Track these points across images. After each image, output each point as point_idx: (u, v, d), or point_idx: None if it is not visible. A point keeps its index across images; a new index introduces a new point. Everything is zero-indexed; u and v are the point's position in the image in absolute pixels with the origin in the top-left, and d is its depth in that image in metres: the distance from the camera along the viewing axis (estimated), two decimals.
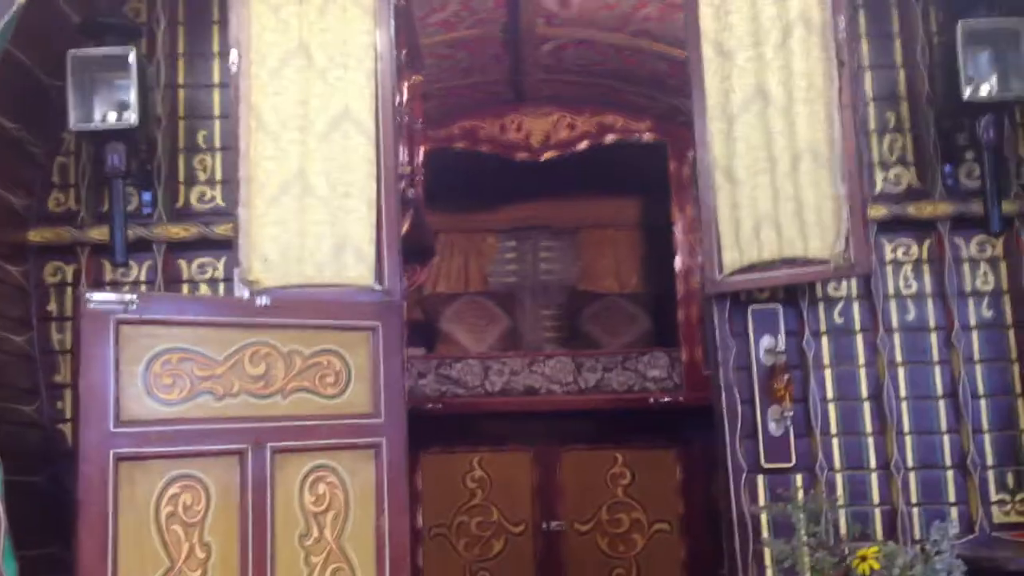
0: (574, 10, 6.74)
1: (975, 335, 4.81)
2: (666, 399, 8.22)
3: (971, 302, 4.84)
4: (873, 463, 4.74)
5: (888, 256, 4.89)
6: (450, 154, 8.61)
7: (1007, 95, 4.59)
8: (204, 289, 4.84)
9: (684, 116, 6.03)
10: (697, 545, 8.06)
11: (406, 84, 5.85)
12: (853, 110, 4.56)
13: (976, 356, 4.80)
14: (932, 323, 4.83)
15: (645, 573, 8.19)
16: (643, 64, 7.48)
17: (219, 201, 4.90)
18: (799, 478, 4.69)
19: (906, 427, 4.75)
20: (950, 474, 4.72)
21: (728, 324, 4.82)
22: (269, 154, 4.48)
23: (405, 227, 5.38)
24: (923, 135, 4.92)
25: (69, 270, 4.84)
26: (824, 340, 4.83)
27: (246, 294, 4.33)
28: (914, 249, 4.90)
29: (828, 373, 4.80)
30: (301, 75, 4.57)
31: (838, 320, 4.84)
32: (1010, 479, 4.71)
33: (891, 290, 4.86)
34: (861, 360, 4.82)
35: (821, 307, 4.84)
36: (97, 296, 3.85)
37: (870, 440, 4.75)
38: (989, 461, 4.72)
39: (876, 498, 4.71)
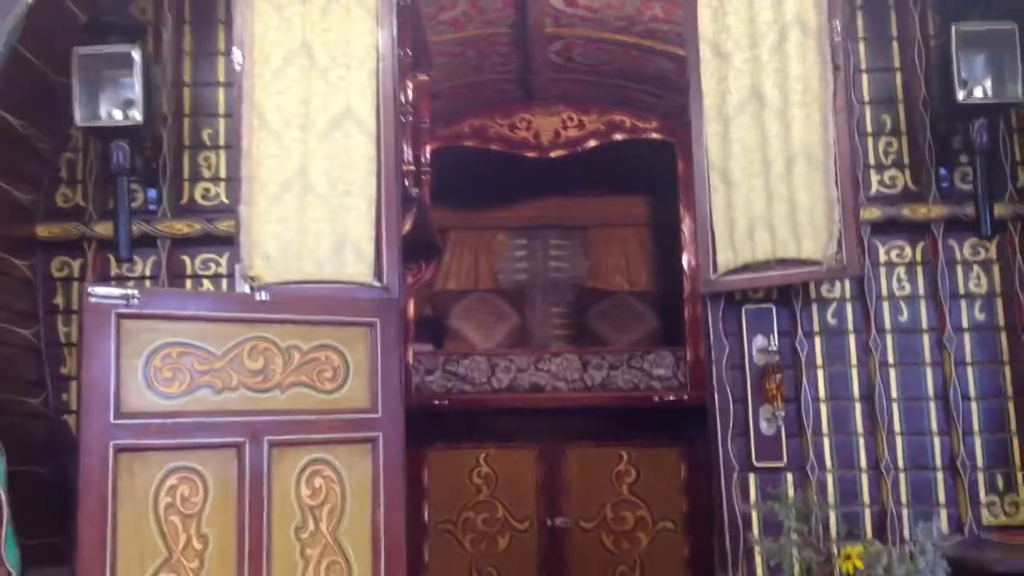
0: (581, 9, 6.80)
1: (967, 337, 4.86)
2: (671, 397, 8.25)
3: (963, 304, 4.88)
4: (864, 463, 4.78)
5: (882, 258, 4.93)
6: (460, 152, 8.68)
7: (1002, 98, 4.63)
8: (207, 284, 4.92)
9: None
10: (700, 544, 8.06)
11: (411, 83, 5.93)
12: (847, 114, 4.60)
13: (968, 358, 4.84)
14: (924, 325, 4.88)
15: (649, 571, 8.21)
16: (650, 63, 7.52)
17: (223, 198, 4.98)
18: (790, 477, 4.74)
19: (897, 428, 4.80)
20: (940, 475, 4.77)
21: (722, 323, 4.88)
22: (271, 152, 4.54)
23: (408, 225, 5.45)
24: (918, 138, 4.95)
25: (76, 264, 4.93)
26: (817, 340, 4.88)
27: (247, 290, 4.40)
28: (908, 251, 4.94)
29: (820, 373, 4.85)
30: (304, 74, 4.63)
31: (831, 321, 4.89)
32: (1000, 481, 4.75)
33: (884, 291, 4.91)
34: (853, 360, 4.87)
35: (814, 307, 4.89)
36: (98, 290, 3.92)
37: (861, 440, 4.80)
38: (979, 463, 4.76)
39: (866, 498, 4.76)
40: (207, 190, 5.02)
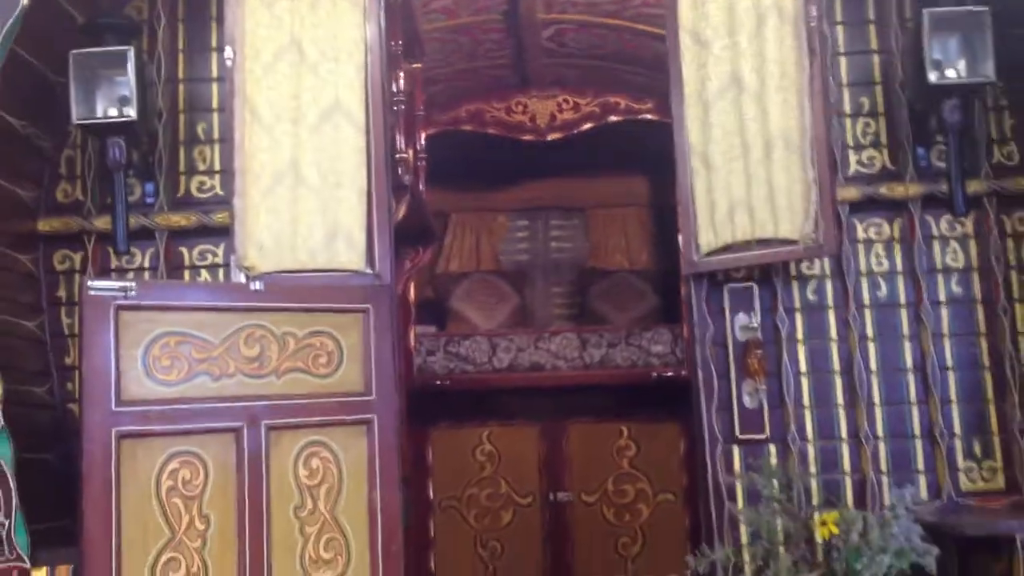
0: None
1: (944, 310, 4.98)
2: (669, 374, 8.36)
3: (940, 279, 5.00)
4: (844, 433, 4.92)
5: (860, 235, 5.04)
6: (461, 136, 8.80)
7: (975, 79, 4.72)
8: (205, 274, 5.06)
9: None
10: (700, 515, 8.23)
11: (403, 72, 6.05)
12: (824, 97, 4.72)
13: (945, 330, 4.97)
14: (903, 299, 4.99)
15: (650, 542, 8.37)
16: (643, 46, 7.59)
17: (218, 190, 5.10)
18: (773, 448, 4.87)
19: (876, 399, 4.92)
20: (919, 444, 4.90)
21: (705, 303, 5.01)
22: (263, 146, 4.66)
23: (402, 212, 5.58)
24: (896, 118, 5.06)
25: (77, 257, 5.07)
26: (798, 316, 5.00)
27: (242, 279, 4.54)
28: (886, 228, 5.05)
29: (801, 348, 4.98)
30: (294, 69, 4.75)
31: (811, 297, 5.01)
32: (977, 448, 4.88)
33: (863, 268, 5.02)
34: (833, 335, 4.99)
35: (795, 285, 5.01)
36: (97, 284, 4.06)
37: (841, 412, 4.93)
38: (957, 431, 4.89)
39: (847, 467, 4.89)
40: (202, 183, 5.15)
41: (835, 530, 4.20)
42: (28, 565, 4.26)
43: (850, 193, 5.01)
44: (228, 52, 4.72)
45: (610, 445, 8.58)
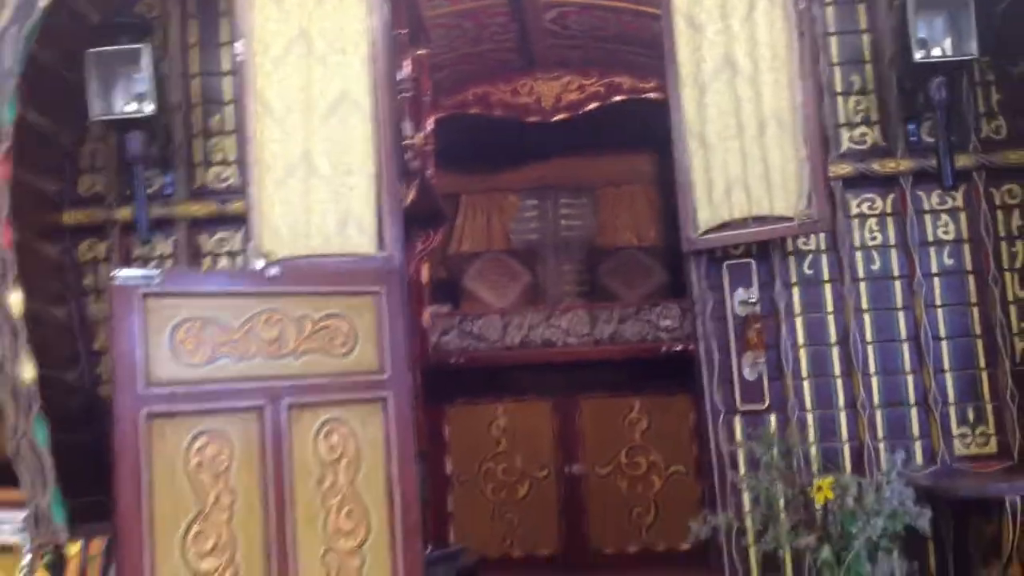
0: None
1: (936, 282, 5.12)
2: (678, 347, 8.51)
3: (932, 251, 5.14)
4: (841, 402, 5.08)
5: (854, 210, 5.19)
6: (469, 119, 8.94)
7: (961, 56, 4.85)
8: (223, 261, 5.25)
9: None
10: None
11: (409, 59, 6.20)
12: (813, 77, 4.87)
13: (937, 301, 5.11)
14: (896, 272, 5.14)
15: (663, 513, 8.53)
16: (644, 27, 7.68)
17: (234, 180, 5.28)
18: (773, 418, 5.05)
19: (872, 369, 5.08)
20: (914, 411, 5.05)
21: (705, 279, 5.17)
22: (275, 137, 4.84)
23: (411, 197, 5.75)
24: (886, 96, 5.19)
25: (101, 247, 5.27)
26: (795, 290, 5.16)
27: (259, 266, 4.73)
28: (879, 203, 5.19)
29: (799, 321, 5.14)
30: (303, 61, 4.91)
31: (807, 271, 5.17)
32: (971, 414, 5.04)
33: (857, 242, 5.17)
34: (829, 308, 5.15)
35: (792, 260, 5.16)
36: (123, 273, 4.25)
37: (839, 381, 5.09)
38: (951, 398, 5.04)
39: (845, 435, 5.06)
40: (219, 173, 5.33)
41: (831, 495, 4.36)
42: (65, 538, 4.49)
43: (843, 169, 5.15)
44: (239, 46, 4.89)
45: (622, 418, 8.75)
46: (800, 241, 5.15)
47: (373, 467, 4.59)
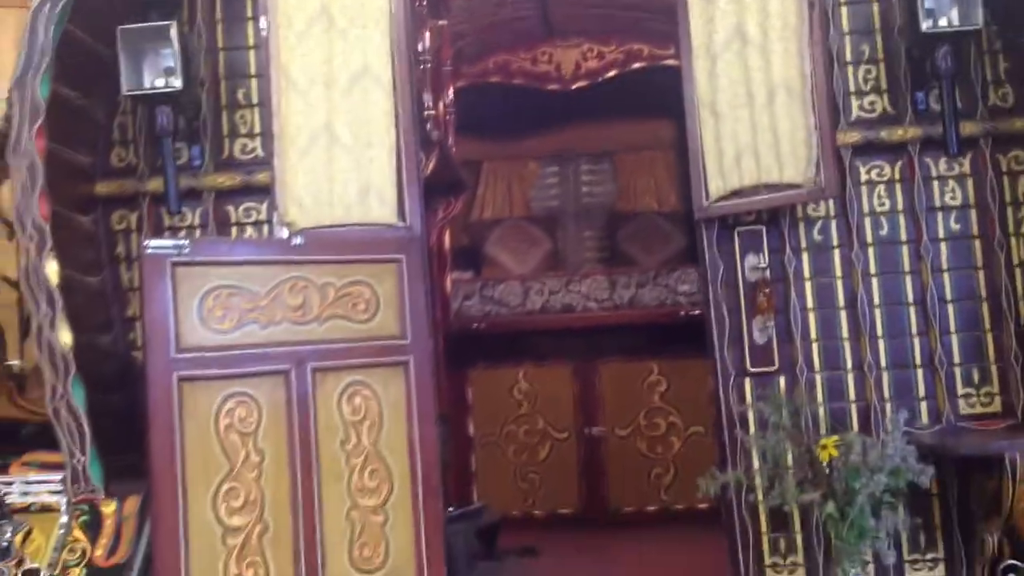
0: None
1: (943, 246, 5.21)
2: (697, 312, 8.60)
3: (939, 216, 5.23)
4: (849, 364, 5.20)
5: (863, 177, 5.28)
6: (489, 87, 9.08)
7: (967, 27, 4.92)
8: (250, 230, 5.40)
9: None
10: None
11: (429, 31, 6.35)
12: (823, 47, 4.97)
13: (944, 265, 5.21)
14: (903, 237, 5.23)
15: (682, 473, 8.69)
16: None
17: (259, 152, 5.41)
18: (782, 380, 5.19)
19: (879, 331, 5.19)
20: (920, 372, 5.17)
21: (717, 245, 5.30)
22: (299, 109, 4.99)
23: (431, 166, 5.91)
24: (895, 65, 5.27)
25: (133, 217, 5.42)
26: (804, 256, 5.27)
27: (284, 234, 4.91)
28: (887, 170, 5.28)
29: (808, 285, 5.25)
30: (325, 35, 5.05)
31: (817, 237, 5.28)
32: (975, 375, 5.15)
33: (866, 208, 5.26)
34: (838, 273, 5.25)
35: (801, 226, 5.27)
36: (154, 243, 4.44)
37: (847, 344, 5.21)
38: (956, 359, 5.15)
39: (852, 395, 5.18)
40: (244, 145, 5.47)
41: (835, 453, 4.50)
42: (102, 496, 4.70)
43: (852, 137, 5.25)
44: (263, 22, 5.05)
45: (641, 381, 8.93)
46: (810, 208, 5.25)
47: (395, 428, 4.76)
